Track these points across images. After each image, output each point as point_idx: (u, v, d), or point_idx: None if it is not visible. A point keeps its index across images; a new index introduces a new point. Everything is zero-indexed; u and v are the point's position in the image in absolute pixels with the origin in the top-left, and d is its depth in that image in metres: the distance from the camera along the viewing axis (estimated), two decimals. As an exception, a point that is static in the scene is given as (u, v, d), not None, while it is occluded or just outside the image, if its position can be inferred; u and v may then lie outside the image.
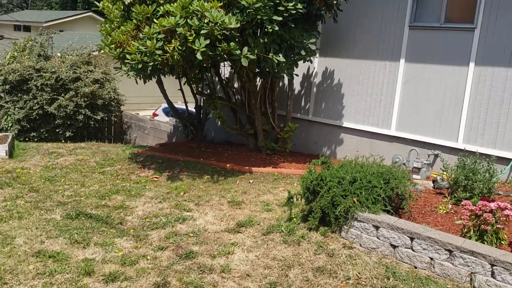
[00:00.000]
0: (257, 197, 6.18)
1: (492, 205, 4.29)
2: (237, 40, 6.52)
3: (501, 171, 6.55)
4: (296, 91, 9.13)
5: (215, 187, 6.63)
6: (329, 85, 8.69)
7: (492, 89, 6.75)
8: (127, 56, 6.62)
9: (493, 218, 4.27)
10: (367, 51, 8.05)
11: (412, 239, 4.28)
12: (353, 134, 8.39)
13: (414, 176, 7.08)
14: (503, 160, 6.66)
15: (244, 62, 6.42)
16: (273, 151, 8.48)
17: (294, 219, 5.25)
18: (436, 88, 7.31)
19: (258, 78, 8.42)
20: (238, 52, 6.38)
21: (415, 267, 4.25)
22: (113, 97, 12.12)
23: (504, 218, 4.28)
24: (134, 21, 6.92)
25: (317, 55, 8.63)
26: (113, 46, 6.94)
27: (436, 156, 7.25)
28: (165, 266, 4.39)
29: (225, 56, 6.60)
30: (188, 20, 6.22)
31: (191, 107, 10.40)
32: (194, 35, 6.22)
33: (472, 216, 4.36)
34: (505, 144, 6.66)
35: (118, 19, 7.25)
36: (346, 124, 8.45)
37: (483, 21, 6.72)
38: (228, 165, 7.70)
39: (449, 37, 7.09)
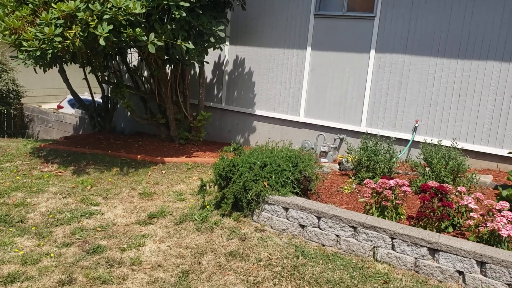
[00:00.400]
0: (170, 188, 6.07)
1: (392, 182, 4.58)
2: (143, 26, 6.31)
3: (400, 151, 7.01)
4: (208, 80, 9.08)
5: (125, 180, 6.41)
6: (240, 73, 8.73)
7: (391, 75, 7.18)
8: (24, 43, 6.14)
9: (393, 195, 4.56)
10: (276, 39, 8.19)
11: (319, 218, 4.45)
12: (265, 122, 8.53)
13: (322, 159, 7.36)
14: (402, 141, 7.13)
15: (151, 49, 6.24)
16: (187, 140, 8.38)
17: (207, 206, 5.23)
18: (340, 75, 7.64)
19: (168, 66, 8.24)
20: (144, 38, 6.18)
21: (323, 245, 4.43)
22: (11, 89, 11.26)
23: (402, 194, 4.59)
24: (30, 5, 6.44)
25: (227, 43, 8.63)
26: (7, 32, 6.40)
27: (342, 140, 7.60)
28: (71, 262, 4.17)
29: (131, 42, 6.36)
30: (90, 5, 5.90)
31: (99, 98, 9.95)
32: (96, 20, 5.92)
33: (374, 194, 4.62)
34: (403, 126, 7.13)
35: (12, 3, 6.69)
36: (258, 112, 8.56)
37: (382, 10, 7.11)
38: (139, 156, 7.48)
39: (351, 25, 7.42)
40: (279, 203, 4.68)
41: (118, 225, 4.97)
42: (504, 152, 6.34)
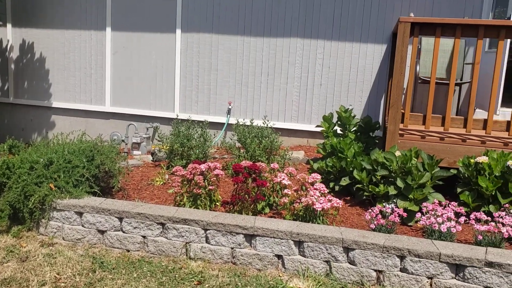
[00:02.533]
0: None
1: (203, 166, 4.10)
2: None
3: (214, 135, 6.65)
4: (-13, 69, 7.49)
5: None
6: (30, 60, 7.38)
7: (200, 56, 6.74)
8: None
9: (205, 180, 4.09)
10: (70, 20, 7.08)
11: (121, 219, 3.73)
12: (66, 115, 7.37)
13: (135, 151, 6.61)
14: (218, 125, 6.78)
15: None
16: (-38, 144, 6.75)
17: (-21, 224, 4.07)
18: (147, 58, 6.94)
19: None
20: None
21: (128, 251, 3.73)
22: None
23: (215, 178, 4.14)
24: None
25: (10, 25, 7.20)
26: None
27: (156, 128, 6.93)
28: None
29: None
30: None
31: None
32: None
33: (184, 182, 4.08)
34: (218, 109, 6.78)
35: None
36: (56, 104, 7.35)
37: (184, -14, 6.61)
38: None
39: (154, 3, 6.76)
40: (70, 208, 3.81)
41: None
42: (312, 128, 6.43)
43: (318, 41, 6.38)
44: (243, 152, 5.31)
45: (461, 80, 5.93)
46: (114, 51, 7.02)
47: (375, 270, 3.26)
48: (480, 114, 5.56)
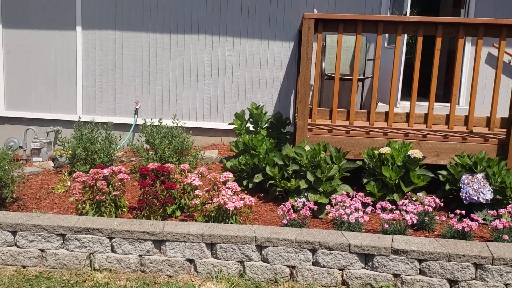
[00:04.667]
0: None
1: (106, 171, 3.84)
2: None
3: (119, 137, 6.32)
4: None
5: None
6: None
7: (103, 54, 6.38)
8: None
9: (110, 186, 3.83)
10: (-50, 14, 6.38)
11: (15, 232, 3.38)
12: (-49, 121, 6.64)
13: (35, 158, 6.09)
14: (126, 126, 6.47)
15: None
16: None
17: None
18: (46, 57, 6.43)
19: None
20: None
21: (24, 267, 3.39)
22: None
23: (120, 183, 3.90)
24: None
25: None
26: None
27: (58, 132, 6.46)
28: None
29: None
30: None
31: None
32: None
33: (86, 188, 3.79)
34: (124, 109, 6.46)
35: None
36: None
37: (82, -20, 6.21)
38: None
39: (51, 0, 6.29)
40: (-48, 224, 3.38)
41: None
42: (226, 126, 6.35)
43: (227, 38, 6.31)
44: (152, 154, 5.09)
45: (363, 75, 6.15)
46: (6, 50, 6.43)
47: (288, 266, 3.24)
48: (382, 107, 5.80)
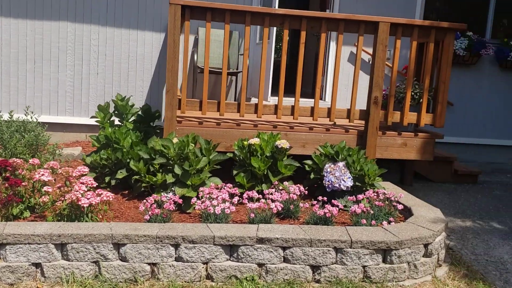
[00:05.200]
0: None
1: None
2: None
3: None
4: None
5: None
6: None
7: None
8: None
9: None
10: None
11: None
12: None
13: None
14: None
15: None
16: None
17: None
18: None
19: None
20: None
21: None
22: None
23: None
24: None
25: None
26: None
27: None
28: None
29: None
30: None
31: None
32: None
33: None
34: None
35: None
36: None
37: None
38: None
39: None
40: None
41: None
42: (92, 121, 5.89)
43: (92, 26, 5.86)
44: (1, 151, 4.49)
45: (237, 69, 6.14)
46: None
47: (149, 264, 3.01)
48: (255, 102, 5.83)
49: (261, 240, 3.05)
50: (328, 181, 3.96)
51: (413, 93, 4.87)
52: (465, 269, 3.49)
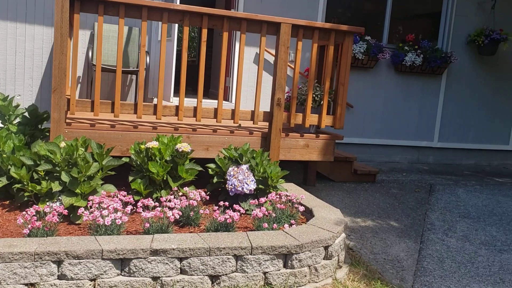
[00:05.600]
0: None
1: None
2: None
3: None
4: None
5: None
6: None
7: None
8: None
9: None
10: None
11: None
12: None
13: None
14: None
15: None
16: None
17: None
18: None
19: None
20: None
21: None
22: None
23: None
24: None
25: None
26: None
27: None
28: None
29: None
30: None
31: None
32: None
33: None
34: None
35: None
36: None
37: None
38: None
39: None
40: None
41: None
42: (-30, 122, 5.24)
43: (-32, 16, 5.22)
44: None
45: (138, 68, 5.82)
46: None
47: (26, 284, 2.66)
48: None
49: (155, 252, 2.83)
50: (231, 185, 3.83)
51: (314, 95, 4.91)
52: (364, 269, 3.53)
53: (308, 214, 3.85)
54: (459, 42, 7.70)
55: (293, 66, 4.81)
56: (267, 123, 4.71)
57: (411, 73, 7.49)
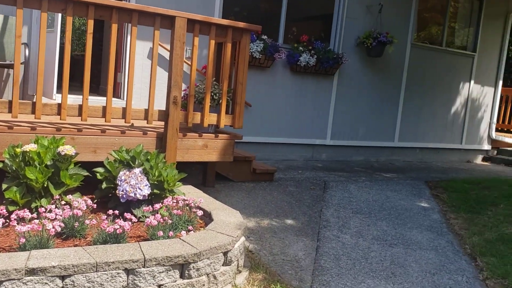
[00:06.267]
0: None
1: None
2: None
3: None
4: None
5: None
6: None
7: None
8: None
9: None
10: None
11: None
12: None
13: None
14: None
15: None
16: None
17: None
18: None
19: None
20: None
21: None
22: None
23: None
24: None
25: None
26: None
27: None
28: None
29: None
30: None
31: None
32: None
33: None
34: None
35: None
36: None
37: None
38: None
39: None
40: None
41: None
42: None
43: None
44: None
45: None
46: None
47: None
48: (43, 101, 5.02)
49: (32, 271, 2.47)
50: (123, 191, 3.54)
51: (213, 94, 4.76)
52: (264, 272, 3.47)
53: (207, 218, 3.70)
54: (349, 44, 8.04)
55: (190, 63, 4.60)
56: (162, 123, 4.45)
57: (305, 73, 7.67)
